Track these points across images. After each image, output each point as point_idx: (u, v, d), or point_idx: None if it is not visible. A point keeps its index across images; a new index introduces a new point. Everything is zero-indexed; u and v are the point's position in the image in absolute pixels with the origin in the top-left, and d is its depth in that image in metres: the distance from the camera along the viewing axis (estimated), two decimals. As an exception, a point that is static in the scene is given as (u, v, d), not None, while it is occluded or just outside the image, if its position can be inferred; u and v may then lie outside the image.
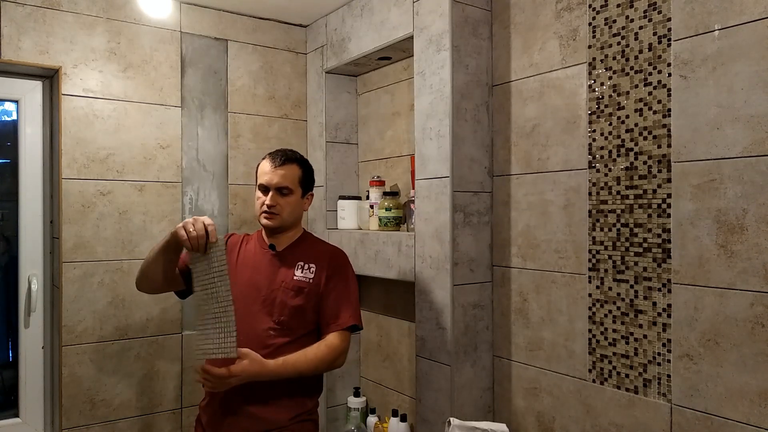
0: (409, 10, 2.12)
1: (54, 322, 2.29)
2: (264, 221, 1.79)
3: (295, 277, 1.79)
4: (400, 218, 2.32)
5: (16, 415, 2.29)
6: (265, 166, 1.78)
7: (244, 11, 2.59)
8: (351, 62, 2.52)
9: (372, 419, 2.52)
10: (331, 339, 1.75)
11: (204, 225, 1.56)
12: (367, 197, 2.49)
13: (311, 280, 1.79)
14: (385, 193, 2.36)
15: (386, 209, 2.31)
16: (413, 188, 2.18)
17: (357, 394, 2.57)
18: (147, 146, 2.36)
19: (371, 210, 2.43)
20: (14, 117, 2.31)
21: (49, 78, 2.32)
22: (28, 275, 2.29)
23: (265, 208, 1.76)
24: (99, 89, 2.26)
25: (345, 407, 2.62)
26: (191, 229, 1.55)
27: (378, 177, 2.45)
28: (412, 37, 2.12)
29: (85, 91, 2.23)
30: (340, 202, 2.58)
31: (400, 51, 2.35)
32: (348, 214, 2.55)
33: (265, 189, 1.77)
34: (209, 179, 2.53)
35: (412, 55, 2.14)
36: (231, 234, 1.95)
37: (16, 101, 2.28)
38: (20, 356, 2.29)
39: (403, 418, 2.30)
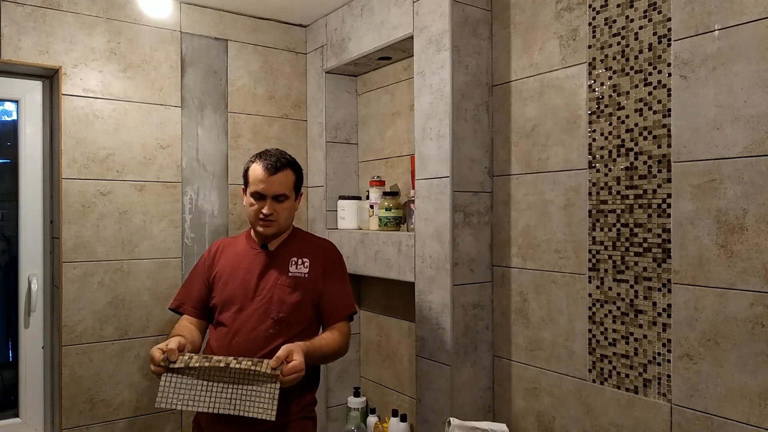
0: (409, 10, 2.12)
1: (54, 322, 2.29)
2: (262, 229, 1.78)
3: (290, 273, 1.80)
4: (400, 218, 2.32)
5: (16, 415, 2.29)
6: (259, 172, 1.75)
7: (244, 11, 2.59)
8: (351, 62, 2.52)
9: (372, 419, 2.52)
10: (340, 327, 1.80)
11: (161, 353, 1.56)
12: (367, 197, 2.49)
13: (307, 275, 1.80)
14: (385, 193, 2.36)
15: (386, 209, 2.31)
16: (413, 188, 2.18)
17: (357, 394, 2.57)
18: (147, 146, 2.36)
19: (371, 210, 2.43)
20: (14, 117, 2.31)
21: (49, 78, 2.32)
22: (28, 275, 2.29)
23: (262, 216, 1.75)
24: (99, 89, 2.26)
25: (345, 407, 2.63)
26: (159, 358, 1.56)
27: (378, 177, 2.45)
28: (412, 37, 2.12)
29: (85, 91, 2.23)
30: (340, 202, 2.58)
31: (400, 51, 2.35)
32: (348, 214, 2.55)
33: (260, 197, 1.76)
34: (209, 179, 2.53)
35: (412, 55, 2.14)
36: (209, 247, 1.96)
37: (16, 101, 2.28)
38: (20, 356, 2.29)
39: (403, 418, 2.30)
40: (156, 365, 1.56)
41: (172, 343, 1.59)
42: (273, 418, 1.53)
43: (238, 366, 1.55)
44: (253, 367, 1.54)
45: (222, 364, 1.55)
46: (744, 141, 1.39)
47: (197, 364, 1.56)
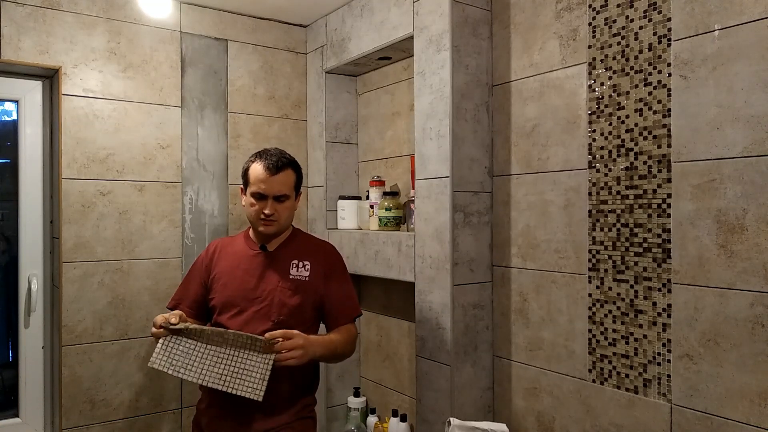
0: (409, 10, 2.12)
1: (54, 322, 2.29)
2: (263, 228, 1.78)
3: (291, 276, 1.80)
4: (400, 218, 2.32)
5: (16, 415, 2.29)
6: (260, 172, 1.74)
7: (244, 11, 2.59)
8: (351, 62, 2.52)
9: (372, 419, 2.52)
10: (347, 329, 1.82)
11: (164, 319, 1.61)
12: (367, 197, 2.49)
13: (307, 278, 1.80)
14: (385, 193, 2.36)
15: (386, 209, 2.31)
16: (413, 188, 2.18)
17: (357, 394, 2.57)
18: (147, 146, 2.36)
19: (371, 210, 2.43)
20: (14, 117, 2.31)
21: (49, 78, 2.32)
22: (28, 275, 2.29)
23: (263, 216, 1.75)
24: (99, 89, 2.26)
25: (345, 407, 2.63)
26: (161, 321, 1.61)
27: (378, 177, 2.45)
28: (412, 37, 2.12)
29: (85, 91, 2.23)
30: (340, 202, 2.58)
31: (400, 51, 2.35)
32: (348, 214, 2.55)
33: (261, 196, 1.75)
34: (209, 179, 2.53)
35: (412, 55, 2.14)
36: (207, 247, 1.96)
37: (16, 101, 2.28)
38: (20, 356, 2.29)
39: (403, 418, 2.30)
40: (157, 328, 1.60)
41: (175, 311, 1.66)
42: (260, 399, 1.56)
43: (236, 332, 1.61)
44: (251, 335, 1.59)
45: (220, 330, 1.62)
46: (744, 141, 1.39)
47: (197, 327, 1.62)
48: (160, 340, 1.60)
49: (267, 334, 1.58)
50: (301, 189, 1.89)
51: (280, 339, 1.58)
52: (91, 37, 2.25)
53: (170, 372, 1.58)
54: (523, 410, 1.94)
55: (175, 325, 1.59)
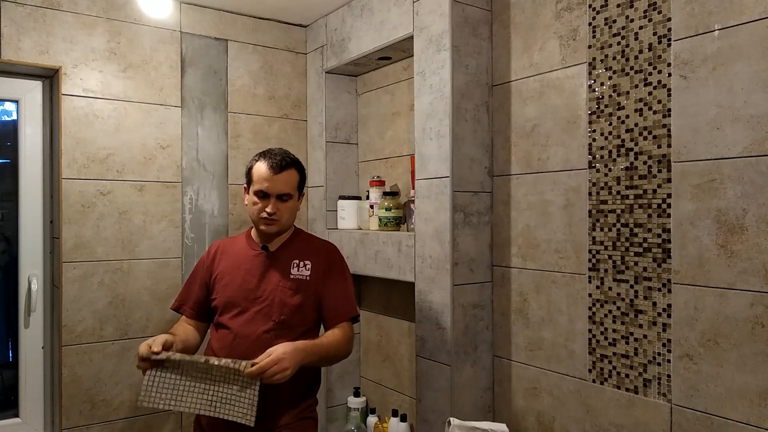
0: (409, 10, 2.12)
1: (54, 322, 2.29)
2: (264, 228, 1.78)
3: (292, 276, 1.79)
4: (400, 218, 2.32)
5: (16, 415, 2.29)
6: (263, 171, 1.74)
7: (244, 11, 2.59)
8: (351, 62, 2.52)
9: (372, 419, 2.52)
10: (343, 328, 1.80)
11: (147, 348, 1.58)
12: (367, 197, 2.49)
13: (308, 277, 1.80)
14: (385, 193, 2.36)
15: (386, 209, 2.31)
16: (413, 188, 2.18)
17: (357, 394, 2.57)
18: (147, 146, 2.36)
19: (371, 210, 2.43)
20: (14, 117, 2.31)
21: (49, 78, 2.32)
22: (28, 275, 2.29)
23: (265, 215, 1.75)
24: (99, 89, 2.26)
25: (345, 407, 2.63)
26: (144, 351, 1.57)
27: (378, 177, 2.45)
28: (412, 37, 2.12)
29: (85, 91, 2.23)
30: (340, 202, 2.58)
31: (400, 51, 2.35)
32: (348, 214, 2.55)
33: (264, 195, 1.75)
34: (209, 179, 2.53)
35: (412, 55, 2.14)
36: (209, 248, 1.95)
37: (16, 101, 2.28)
38: (20, 356, 2.29)
39: (403, 418, 2.30)
40: (140, 359, 1.58)
41: (159, 338, 1.62)
42: (252, 424, 1.53)
43: (217, 363, 1.57)
44: (231, 365, 1.56)
45: (202, 360, 1.58)
46: (744, 141, 1.39)
47: (178, 358, 1.58)
48: (146, 375, 1.58)
49: (247, 372, 1.53)
50: (304, 190, 1.89)
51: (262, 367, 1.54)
52: (91, 37, 2.25)
53: (161, 407, 1.57)
54: (523, 410, 1.94)
55: (158, 354, 1.57)
